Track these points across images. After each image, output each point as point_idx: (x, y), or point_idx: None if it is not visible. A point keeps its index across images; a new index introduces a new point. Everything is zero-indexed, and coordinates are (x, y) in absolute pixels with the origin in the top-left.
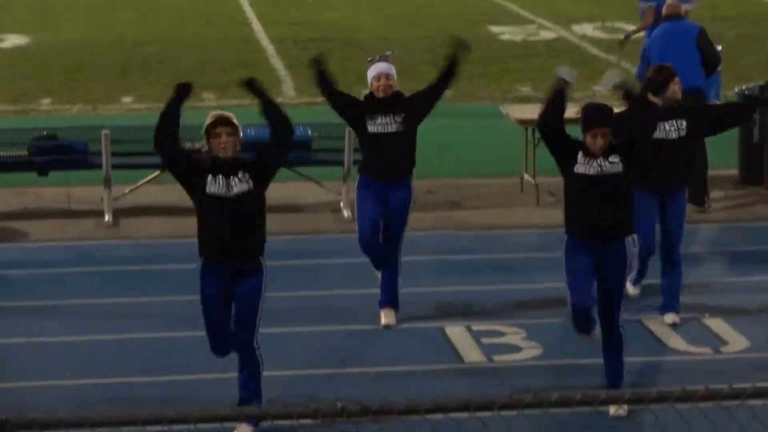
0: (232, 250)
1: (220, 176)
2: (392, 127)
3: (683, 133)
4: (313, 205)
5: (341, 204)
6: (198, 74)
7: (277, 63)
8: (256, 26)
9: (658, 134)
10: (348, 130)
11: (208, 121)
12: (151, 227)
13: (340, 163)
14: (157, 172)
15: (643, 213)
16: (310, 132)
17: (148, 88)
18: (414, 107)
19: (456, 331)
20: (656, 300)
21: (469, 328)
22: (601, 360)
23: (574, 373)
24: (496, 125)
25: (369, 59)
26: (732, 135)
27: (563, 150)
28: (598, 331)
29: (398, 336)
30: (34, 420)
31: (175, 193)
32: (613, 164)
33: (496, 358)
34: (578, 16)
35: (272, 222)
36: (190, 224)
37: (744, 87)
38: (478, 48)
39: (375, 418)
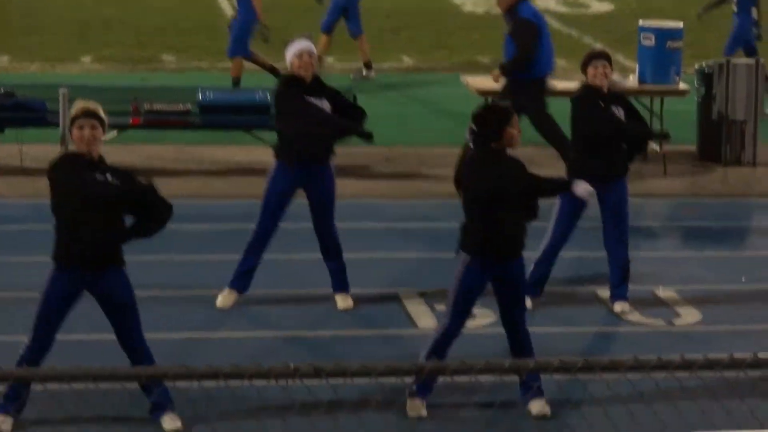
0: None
1: (85, 175)
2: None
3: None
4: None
5: None
6: (158, 36)
7: None
8: None
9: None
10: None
11: (72, 112)
12: None
13: None
14: (114, 133)
15: (567, 210)
16: (268, 96)
17: (107, 49)
18: (339, 106)
19: (411, 298)
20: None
21: (423, 295)
22: (553, 329)
23: None
24: (457, 94)
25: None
26: (690, 112)
27: None
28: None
29: (356, 300)
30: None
31: (132, 154)
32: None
33: None
34: None
35: (230, 185)
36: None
37: (704, 63)
38: (440, 19)
39: (328, 381)
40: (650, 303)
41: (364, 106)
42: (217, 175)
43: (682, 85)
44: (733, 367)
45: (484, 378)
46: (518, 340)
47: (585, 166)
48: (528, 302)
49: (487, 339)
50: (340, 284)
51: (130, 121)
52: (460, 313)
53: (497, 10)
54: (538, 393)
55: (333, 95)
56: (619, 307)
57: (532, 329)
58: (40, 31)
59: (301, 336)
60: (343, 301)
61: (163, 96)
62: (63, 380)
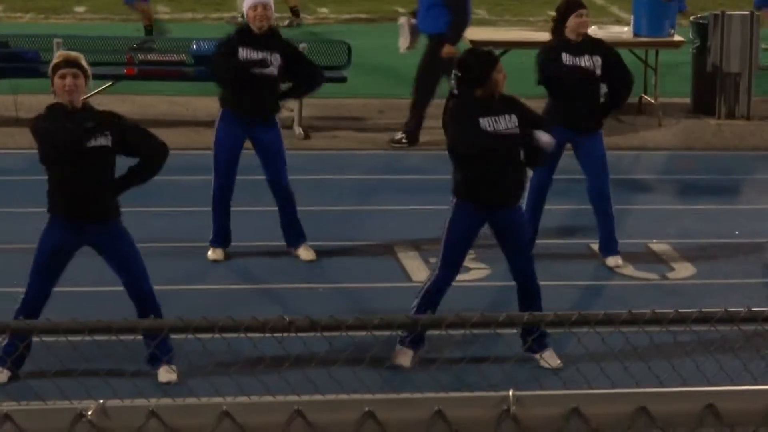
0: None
1: (69, 125)
2: (267, 69)
3: (599, 70)
4: None
5: (293, 121)
6: None
7: None
8: None
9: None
10: (301, 45)
11: (53, 61)
12: None
13: None
14: (109, 83)
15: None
16: None
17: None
18: (292, 62)
19: (405, 251)
20: None
21: (418, 248)
22: (546, 283)
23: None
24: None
25: None
26: (685, 64)
27: None
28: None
29: (348, 255)
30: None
31: (125, 103)
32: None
33: None
34: None
35: None
36: None
37: (699, 15)
38: None
39: (324, 334)
40: (644, 257)
41: (358, 57)
42: (210, 126)
43: (676, 37)
44: (727, 321)
45: (479, 331)
46: (526, 290)
47: (556, 117)
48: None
49: (482, 292)
50: (299, 237)
51: (125, 71)
52: (451, 261)
53: None
54: (543, 346)
55: (287, 50)
56: (612, 261)
57: None
58: None
59: (294, 288)
60: (306, 253)
61: (157, 46)
62: (58, 333)
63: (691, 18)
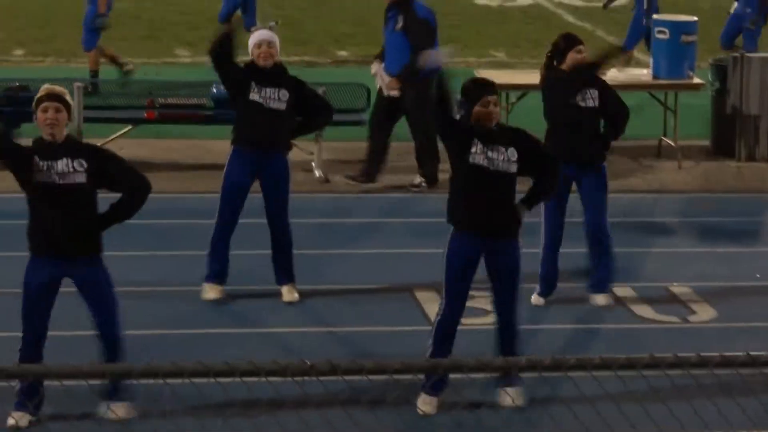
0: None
1: (48, 161)
2: (275, 104)
3: (596, 102)
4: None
5: (313, 164)
6: (172, 30)
7: None
8: None
9: (573, 103)
10: (321, 89)
11: (37, 95)
12: None
13: None
14: (129, 127)
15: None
16: None
17: (121, 43)
18: (300, 97)
19: (425, 294)
20: (623, 265)
21: (438, 291)
22: (568, 326)
23: (541, 338)
24: None
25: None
26: (704, 106)
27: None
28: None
29: (368, 297)
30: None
31: (145, 148)
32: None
33: (464, 320)
34: None
35: None
36: (163, 179)
37: (718, 58)
38: (454, 12)
39: (344, 377)
40: (664, 299)
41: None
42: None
43: (696, 79)
44: (749, 365)
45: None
46: (506, 329)
47: (558, 151)
48: (538, 300)
49: None
50: (288, 277)
51: (145, 115)
52: (453, 295)
53: (511, 4)
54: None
55: (296, 86)
56: (603, 300)
57: (548, 326)
58: (54, 24)
59: (314, 331)
60: (289, 294)
61: (177, 90)
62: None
63: (711, 60)
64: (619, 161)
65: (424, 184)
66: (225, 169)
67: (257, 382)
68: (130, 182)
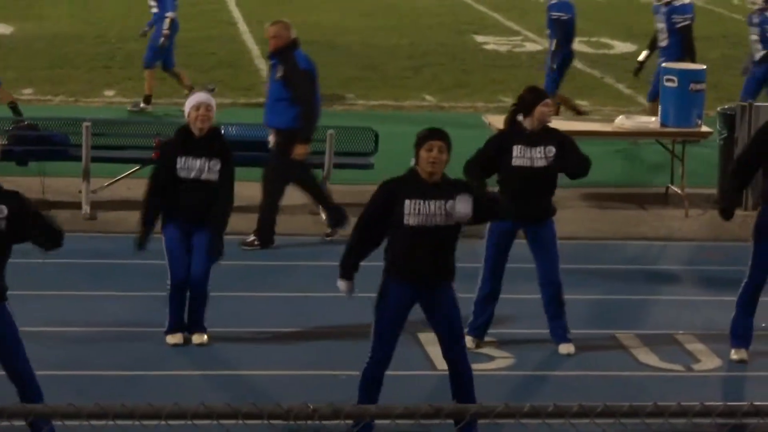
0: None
1: None
2: (207, 175)
3: (551, 161)
4: (291, 207)
5: (319, 207)
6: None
7: (261, 64)
8: (242, 26)
9: (523, 161)
10: (329, 132)
11: None
12: (128, 221)
13: (320, 165)
14: (136, 167)
15: (500, 246)
16: None
17: (130, 83)
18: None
19: (429, 338)
20: (629, 313)
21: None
22: (571, 372)
23: (544, 384)
24: (480, 135)
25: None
26: (712, 154)
27: None
28: None
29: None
30: (2, 410)
31: None
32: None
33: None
34: None
35: (250, 221)
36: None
37: (726, 106)
38: (462, 57)
39: (346, 422)
40: (669, 347)
41: (385, 144)
42: (236, 211)
43: (704, 128)
44: (753, 415)
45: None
46: (458, 375)
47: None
48: (470, 342)
49: (507, 381)
50: (200, 323)
51: (153, 155)
52: (379, 336)
53: (519, 49)
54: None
55: (226, 157)
56: (565, 348)
57: (551, 372)
58: (64, 64)
59: (317, 375)
60: (199, 338)
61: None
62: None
63: (719, 108)
64: (626, 208)
65: (257, 243)
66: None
67: (260, 424)
68: (45, 236)
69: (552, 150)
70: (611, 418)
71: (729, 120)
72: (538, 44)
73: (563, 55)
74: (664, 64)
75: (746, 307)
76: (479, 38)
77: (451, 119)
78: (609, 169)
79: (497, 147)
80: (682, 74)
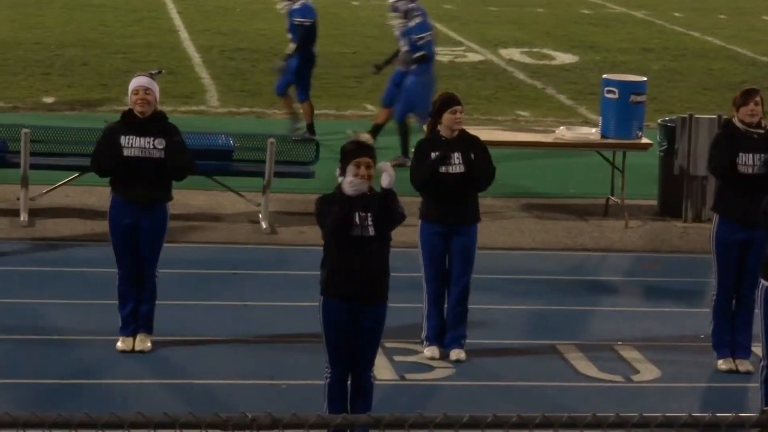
0: None
1: None
2: (152, 152)
3: (464, 167)
4: (232, 215)
5: (260, 215)
6: (121, 79)
7: (202, 71)
8: (183, 34)
9: (444, 167)
10: (270, 141)
11: None
12: (67, 228)
13: (261, 174)
14: (75, 174)
15: (432, 250)
16: (231, 142)
17: (69, 90)
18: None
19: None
20: (568, 323)
21: (382, 346)
22: (511, 383)
23: (484, 394)
24: None
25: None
26: (651, 166)
27: None
28: None
29: (310, 349)
30: None
31: (92, 196)
32: None
33: (408, 376)
34: (506, 41)
35: (192, 231)
36: (106, 227)
37: (667, 118)
38: None
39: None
40: (608, 358)
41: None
42: (176, 220)
43: (644, 139)
44: (691, 426)
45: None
46: (361, 386)
47: (430, 214)
48: (461, 354)
49: (447, 390)
50: (148, 325)
51: None
52: (331, 352)
53: (462, 60)
54: None
55: (170, 136)
56: (461, 354)
57: (492, 382)
58: (3, 70)
59: (254, 384)
60: (142, 343)
61: None
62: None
63: (659, 120)
64: (567, 219)
65: None
66: (107, 219)
67: None
68: None
69: (469, 156)
70: (549, 429)
71: (669, 132)
72: (480, 54)
73: (306, 59)
74: (605, 75)
75: (722, 318)
76: None
77: (393, 128)
78: (549, 180)
79: (422, 153)
80: (622, 86)
